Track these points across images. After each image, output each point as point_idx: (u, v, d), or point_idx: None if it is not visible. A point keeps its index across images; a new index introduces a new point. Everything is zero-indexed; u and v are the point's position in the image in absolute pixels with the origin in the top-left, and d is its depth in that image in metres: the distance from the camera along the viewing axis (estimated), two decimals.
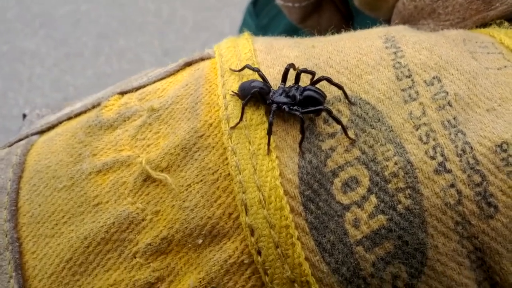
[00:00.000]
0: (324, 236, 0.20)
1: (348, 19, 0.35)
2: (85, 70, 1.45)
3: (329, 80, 0.21)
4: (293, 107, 0.21)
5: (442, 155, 0.20)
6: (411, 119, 0.21)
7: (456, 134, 0.20)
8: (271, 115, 0.21)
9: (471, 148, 0.20)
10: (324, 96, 0.21)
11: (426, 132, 0.20)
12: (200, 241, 0.21)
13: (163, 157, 0.22)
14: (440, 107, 0.21)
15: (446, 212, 0.19)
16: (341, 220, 0.19)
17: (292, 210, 0.20)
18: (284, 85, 0.22)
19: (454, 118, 0.20)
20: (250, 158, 0.21)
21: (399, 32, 0.24)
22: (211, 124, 0.22)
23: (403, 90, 0.21)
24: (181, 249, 0.21)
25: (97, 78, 1.42)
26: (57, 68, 1.47)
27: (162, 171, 0.22)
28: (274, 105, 0.21)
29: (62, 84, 1.42)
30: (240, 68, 0.23)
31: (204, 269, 0.20)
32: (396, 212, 0.19)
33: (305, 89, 0.22)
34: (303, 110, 0.21)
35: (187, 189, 0.21)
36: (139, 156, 0.22)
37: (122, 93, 0.25)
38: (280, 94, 0.22)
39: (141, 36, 1.50)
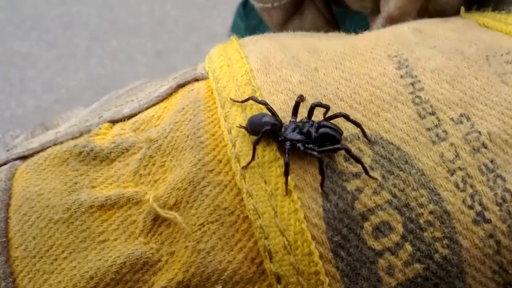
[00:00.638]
0: (357, 284, 0.19)
1: (332, 24, 0.34)
2: (77, 72, 1.44)
3: (346, 117, 0.20)
4: (308, 145, 0.20)
5: (481, 204, 0.19)
6: (443, 163, 0.19)
7: (495, 181, 0.19)
8: (286, 155, 0.19)
9: (511, 195, 0.19)
10: (341, 133, 0.20)
11: (463, 177, 0.19)
12: (220, 287, 0.19)
13: (170, 192, 0.21)
14: (474, 149, 0.19)
15: (485, 262, 0.19)
16: (374, 266, 0.18)
17: (321, 257, 0.19)
18: (296, 119, 0.21)
19: (492, 161, 0.19)
20: (268, 200, 0.19)
21: (411, 51, 0.22)
22: (220, 161, 0.21)
23: (428, 129, 0.20)
24: None
25: (89, 79, 1.41)
26: (49, 70, 1.46)
27: (170, 208, 0.20)
28: (288, 143, 0.20)
29: (54, 86, 1.41)
30: (242, 99, 0.21)
31: None
32: (433, 261, 0.18)
33: (320, 125, 0.20)
34: (319, 149, 0.19)
35: (200, 229, 0.20)
36: (146, 193, 0.21)
37: (113, 122, 0.24)
38: (293, 130, 0.20)
39: (133, 37, 1.49)
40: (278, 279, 0.19)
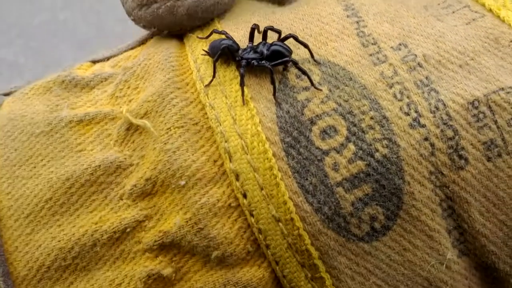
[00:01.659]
0: (306, 179, 0.21)
1: None
2: None
3: (295, 38, 0.23)
4: (261, 61, 0.23)
5: (416, 111, 0.21)
6: (383, 79, 0.22)
7: (429, 93, 0.22)
8: (241, 68, 0.22)
9: (444, 105, 0.21)
10: (290, 51, 0.23)
11: (400, 90, 0.22)
12: (183, 182, 0.21)
13: (142, 105, 0.23)
14: (411, 68, 0.22)
15: (421, 162, 0.21)
16: (321, 164, 0.21)
17: (274, 155, 0.21)
18: (252, 44, 0.24)
19: (427, 78, 0.22)
20: (228, 110, 0.22)
21: None
22: (187, 83, 0.23)
23: (370, 55, 0.23)
24: (166, 189, 0.22)
25: None
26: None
27: (141, 118, 0.23)
28: (244, 61, 0.23)
29: None
30: (207, 35, 0.24)
31: (190, 211, 0.21)
32: (374, 159, 0.21)
33: (272, 44, 0.23)
34: (271, 63, 0.22)
35: (167, 132, 0.22)
36: (121, 107, 0.23)
37: (94, 62, 0.26)
38: (249, 52, 0.23)
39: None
40: (237, 177, 0.21)
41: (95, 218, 0.21)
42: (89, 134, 0.23)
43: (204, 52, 0.23)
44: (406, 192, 0.21)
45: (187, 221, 0.21)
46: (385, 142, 0.21)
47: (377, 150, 0.21)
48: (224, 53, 0.23)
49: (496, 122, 0.20)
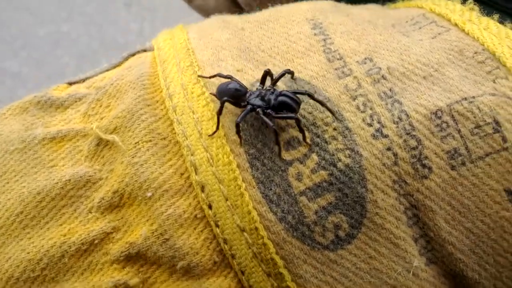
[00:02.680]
0: (270, 189, 0.21)
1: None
2: None
3: (311, 96, 0.22)
4: (267, 110, 0.22)
5: (379, 122, 0.21)
6: (347, 91, 0.22)
7: (393, 104, 0.22)
8: (240, 116, 0.21)
9: (407, 115, 0.21)
10: (298, 103, 0.22)
11: (363, 102, 0.22)
12: (150, 194, 0.21)
13: (111, 121, 0.23)
14: (375, 81, 0.22)
15: (384, 171, 0.21)
16: (284, 174, 0.21)
17: (238, 166, 0.21)
18: (262, 87, 0.23)
19: (390, 90, 0.22)
20: (195, 125, 0.22)
21: (326, 17, 0.25)
22: (157, 101, 0.23)
23: (336, 69, 0.23)
24: (133, 202, 0.22)
25: None
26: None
27: (111, 133, 0.23)
28: (249, 106, 0.22)
29: None
30: (211, 75, 0.24)
31: (156, 222, 0.21)
32: (337, 168, 0.21)
33: (280, 94, 0.22)
34: (276, 115, 0.22)
35: (135, 146, 0.22)
36: (92, 124, 0.23)
37: (70, 83, 0.26)
38: (256, 97, 0.22)
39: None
40: (202, 188, 0.21)
41: (64, 230, 0.21)
42: (61, 150, 0.23)
43: (212, 94, 0.23)
44: (369, 201, 0.21)
45: (153, 232, 0.21)
46: (347, 152, 0.21)
47: (339, 160, 0.21)
48: (228, 102, 0.22)
49: (459, 131, 0.21)
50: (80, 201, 0.22)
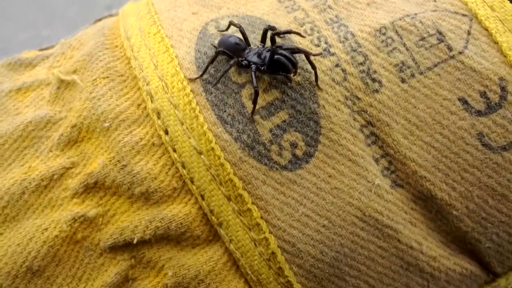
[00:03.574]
0: (224, 111, 0.21)
1: None
2: None
3: (307, 56, 0.22)
4: (262, 67, 0.22)
5: (326, 43, 0.22)
6: (295, 21, 0.23)
7: (339, 27, 0.22)
8: (254, 80, 0.21)
9: (353, 35, 0.22)
10: (295, 64, 0.22)
11: (311, 27, 0.23)
12: (107, 124, 0.22)
13: (72, 65, 0.24)
14: (321, 10, 0.23)
15: (334, 87, 0.21)
16: (238, 96, 0.21)
17: (192, 91, 0.22)
18: (263, 45, 0.23)
19: (336, 16, 0.23)
20: (150, 59, 0.23)
21: None
22: (116, 46, 0.24)
23: (286, 7, 0.24)
24: (91, 135, 0.22)
25: None
26: None
27: (71, 75, 0.23)
28: (245, 62, 0.22)
29: None
30: (224, 28, 0.24)
31: (114, 150, 0.21)
32: (287, 86, 0.21)
33: (276, 52, 0.22)
34: (270, 73, 0.22)
35: (93, 83, 0.23)
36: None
37: (41, 50, 0.27)
38: (253, 55, 0.22)
39: None
40: (158, 115, 0.22)
41: (25, 169, 0.22)
42: (26, 100, 0.24)
43: (213, 46, 0.23)
44: (323, 116, 0.21)
45: (110, 160, 0.21)
46: (298, 71, 0.22)
47: (291, 80, 0.22)
48: (226, 52, 0.22)
49: (404, 44, 0.21)
50: (41, 142, 0.22)
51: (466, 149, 0.21)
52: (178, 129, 0.21)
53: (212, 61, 0.22)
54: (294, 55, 0.22)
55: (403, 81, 0.21)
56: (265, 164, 0.21)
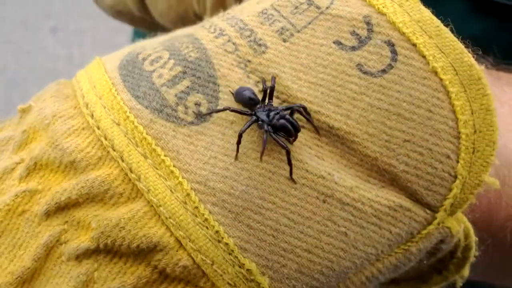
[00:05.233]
0: (139, 91, 0.24)
1: None
2: None
3: (304, 109, 0.23)
4: (268, 126, 0.23)
5: (220, 29, 0.26)
6: (201, 25, 0.27)
7: (232, 19, 0.26)
8: (245, 126, 0.23)
9: (241, 20, 0.26)
10: (298, 129, 0.23)
11: (209, 25, 0.26)
12: (47, 121, 0.25)
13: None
14: (221, 16, 0.27)
15: (227, 55, 0.25)
16: (149, 77, 0.25)
17: (113, 84, 0.25)
18: (272, 103, 0.24)
19: (232, 16, 0.26)
20: (88, 79, 0.26)
21: None
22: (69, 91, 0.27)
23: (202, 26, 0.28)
24: (37, 134, 0.25)
25: None
26: None
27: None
28: (254, 117, 0.23)
29: None
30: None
31: (50, 136, 0.24)
32: (188, 61, 0.25)
33: (283, 117, 0.23)
34: (272, 133, 0.23)
35: (43, 101, 0.26)
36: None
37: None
38: (263, 111, 0.24)
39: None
40: (87, 106, 0.25)
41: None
42: None
43: (231, 92, 0.25)
44: (219, 77, 0.24)
45: (46, 144, 0.24)
46: (196, 50, 0.25)
47: (190, 56, 0.25)
48: (235, 111, 0.24)
49: (282, 15, 0.25)
50: (1, 150, 0.25)
51: (350, 80, 0.23)
52: (101, 111, 0.24)
53: (217, 111, 0.24)
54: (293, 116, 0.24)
55: (284, 40, 0.24)
56: (173, 122, 0.23)
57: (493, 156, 0.23)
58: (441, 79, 0.23)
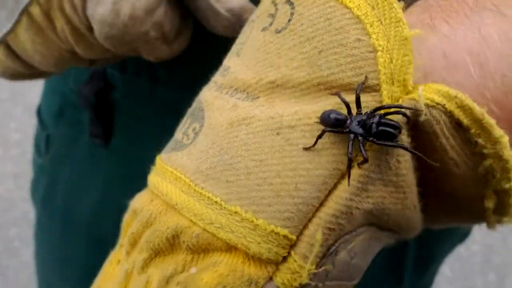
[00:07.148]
0: None
1: None
2: None
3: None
4: (369, 138, 0.22)
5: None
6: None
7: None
8: (349, 148, 0.21)
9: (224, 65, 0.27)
10: (399, 129, 0.22)
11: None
12: None
13: None
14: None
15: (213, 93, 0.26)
16: None
17: None
18: (360, 111, 0.22)
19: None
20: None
21: None
22: None
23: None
24: None
25: None
26: None
27: None
28: (352, 135, 0.22)
29: None
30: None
31: None
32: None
33: (380, 122, 0.21)
34: (378, 142, 0.22)
35: None
36: None
37: None
38: (357, 124, 0.22)
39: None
40: None
41: None
42: None
43: (316, 121, 0.23)
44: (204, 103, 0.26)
45: None
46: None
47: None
48: (333, 130, 0.22)
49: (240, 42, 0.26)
50: None
51: (270, 40, 0.24)
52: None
53: (319, 137, 0.22)
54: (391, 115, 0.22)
55: (238, 55, 0.26)
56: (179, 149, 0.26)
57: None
58: None
